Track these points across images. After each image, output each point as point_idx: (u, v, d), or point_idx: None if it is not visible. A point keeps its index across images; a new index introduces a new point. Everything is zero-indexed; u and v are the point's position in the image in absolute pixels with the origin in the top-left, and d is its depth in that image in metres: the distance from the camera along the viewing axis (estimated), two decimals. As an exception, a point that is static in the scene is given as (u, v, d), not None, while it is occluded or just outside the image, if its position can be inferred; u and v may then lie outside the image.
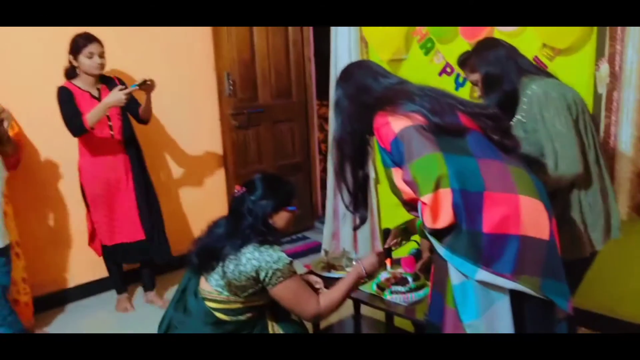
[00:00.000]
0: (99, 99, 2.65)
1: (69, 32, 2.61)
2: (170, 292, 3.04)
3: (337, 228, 3.46)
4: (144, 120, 2.80)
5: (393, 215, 3.23)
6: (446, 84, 2.79)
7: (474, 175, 1.26)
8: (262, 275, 1.65)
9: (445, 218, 1.23)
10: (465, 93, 2.71)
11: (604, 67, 2.22)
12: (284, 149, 4.01)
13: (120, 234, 2.79)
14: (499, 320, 1.25)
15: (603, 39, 2.24)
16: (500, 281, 1.23)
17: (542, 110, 1.66)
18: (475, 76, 1.84)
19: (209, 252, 1.72)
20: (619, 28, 2.17)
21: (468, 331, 1.26)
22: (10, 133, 2.43)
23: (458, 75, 2.73)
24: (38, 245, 2.91)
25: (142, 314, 2.90)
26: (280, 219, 1.78)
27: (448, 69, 2.77)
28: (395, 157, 1.37)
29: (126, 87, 2.60)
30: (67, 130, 2.57)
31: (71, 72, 2.66)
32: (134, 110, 2.76)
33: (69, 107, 2.55)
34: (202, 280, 1.76)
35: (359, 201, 1.64)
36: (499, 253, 1.23)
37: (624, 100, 2.15)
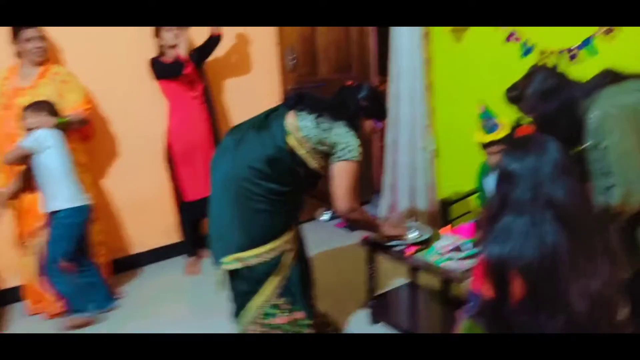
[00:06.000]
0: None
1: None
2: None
3: (394, 201, 3.46)
4: (216, 35, 3.02)
5: (451, 186, 3.20)
6: (512, 50, 2.70)
7: None
8: (338, 147, 1.89)
9: None
10: (531, 61, 2.61)
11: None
12: (344, 124, 4.03)
13: (203, 188, 3.00)
14: None
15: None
16: None
17: (606, 135, 1.51)
18: (533, 115, 1.70)
19: (310, 98, 1.97)
20: None
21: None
22: (83, 108, 2.68)
23: (525, 43, 2.63)
24: (115, 211, 3.15)
25: (210, 278, 3.07)
26: (367, 125, 2.05)
27: (515, 36, 2.67)
28: None
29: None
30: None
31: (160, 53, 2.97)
32: (204, 44, 3.04)
33: (161, 66, 2.92)
34: (292, 114, 1.95)
35: None
36: None
37: None
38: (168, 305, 2.84)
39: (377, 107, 2.06)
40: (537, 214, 1.16)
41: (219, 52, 3.19)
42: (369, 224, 2.16)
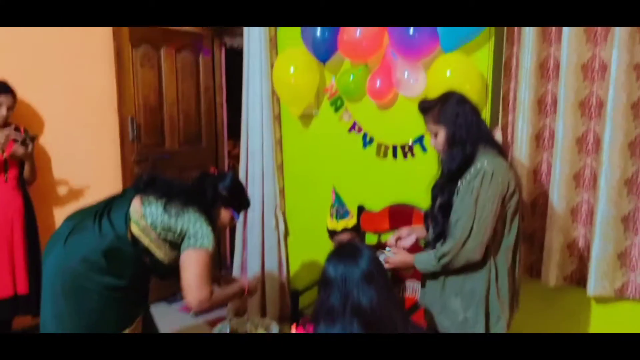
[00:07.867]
0: None
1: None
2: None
3: (244, 280, 3.32)
4: (28, 182, 2.71)
5: (304, 273, 3.18)
6: (355, 141, 2.84)
7: None
8: (187, 234, 1.76)
9: None
10: (372, 152, 2.77)
11: (498, 135, 2.37)
12: (192, 197, 3.83)
13: (7, 286, 2.58)
14: None
15: (497, 109, 2.41)
16: None
17: (482, 188, 1.62)
18: (437, 128, 1.74)
19: (162, 182, 1.86)
20: (511, 100, 2.35)
21: None
22: None
23: (365, 135, 2.79)
24: None
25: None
26: (223, 215, 1.96)
27: (357, 127, 2.82)
28: None
29: (16, 138, 2.51)
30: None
31: None
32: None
33: None
34: (138, 199, 1.81)
35: None
36: None
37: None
38: None
39: (237, 197, 1.99)
40: (346, 322, 1.24)
41: (49, 116, 2.82)
42: (229, 298, 2.05)
